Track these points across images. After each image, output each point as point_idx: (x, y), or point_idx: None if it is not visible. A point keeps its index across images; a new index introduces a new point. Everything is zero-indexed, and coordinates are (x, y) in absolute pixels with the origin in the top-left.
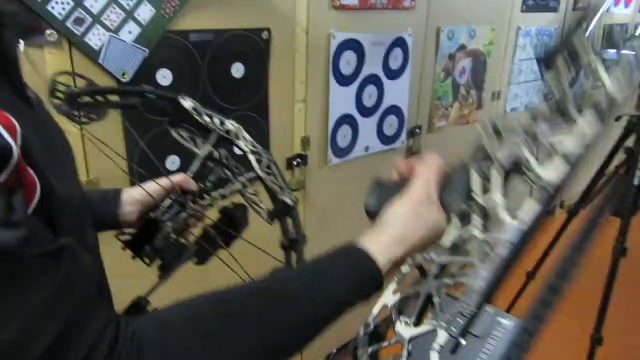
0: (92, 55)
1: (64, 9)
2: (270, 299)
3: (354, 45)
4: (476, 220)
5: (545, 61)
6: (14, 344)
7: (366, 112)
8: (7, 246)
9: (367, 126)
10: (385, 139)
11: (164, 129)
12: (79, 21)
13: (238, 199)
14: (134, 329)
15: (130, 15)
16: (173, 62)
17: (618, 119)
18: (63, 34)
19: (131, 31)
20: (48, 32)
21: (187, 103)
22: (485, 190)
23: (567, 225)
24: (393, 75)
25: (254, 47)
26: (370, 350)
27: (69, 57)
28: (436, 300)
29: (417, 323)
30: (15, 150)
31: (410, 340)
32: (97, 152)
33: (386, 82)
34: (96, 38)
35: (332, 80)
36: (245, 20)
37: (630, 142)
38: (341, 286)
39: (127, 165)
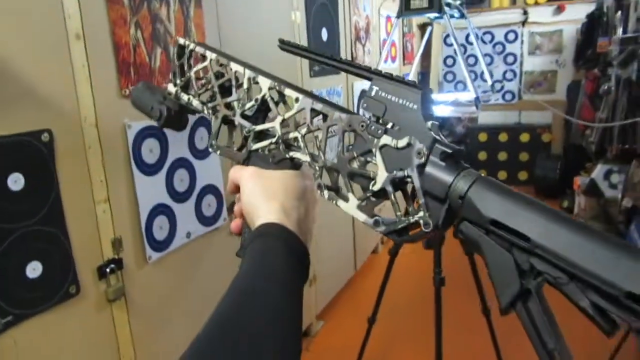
0: None
1: None
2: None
3: (154, 132)
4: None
5: None
6: None
7: (180, 197)
8: None
9: (185, 211)
10: (205, 221)
11: (22, 234)
12: None
13: None
14: None
15: None
16: None
17: None
18: None
19: None
20: None
21: None
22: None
23: (391, 265)
24: (201, 154)
25: (32, 152)
26: None
27: None
28: (355, 165)
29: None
30: None
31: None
32: None
33: (196, 163)
34: None
35: (136, 172)
36: (16, 124)
37: None
38: (278, 257)
39: None
